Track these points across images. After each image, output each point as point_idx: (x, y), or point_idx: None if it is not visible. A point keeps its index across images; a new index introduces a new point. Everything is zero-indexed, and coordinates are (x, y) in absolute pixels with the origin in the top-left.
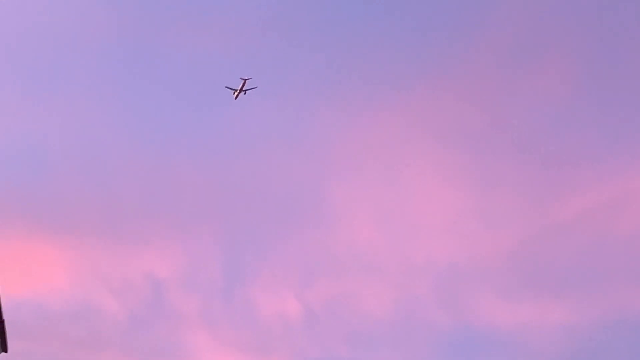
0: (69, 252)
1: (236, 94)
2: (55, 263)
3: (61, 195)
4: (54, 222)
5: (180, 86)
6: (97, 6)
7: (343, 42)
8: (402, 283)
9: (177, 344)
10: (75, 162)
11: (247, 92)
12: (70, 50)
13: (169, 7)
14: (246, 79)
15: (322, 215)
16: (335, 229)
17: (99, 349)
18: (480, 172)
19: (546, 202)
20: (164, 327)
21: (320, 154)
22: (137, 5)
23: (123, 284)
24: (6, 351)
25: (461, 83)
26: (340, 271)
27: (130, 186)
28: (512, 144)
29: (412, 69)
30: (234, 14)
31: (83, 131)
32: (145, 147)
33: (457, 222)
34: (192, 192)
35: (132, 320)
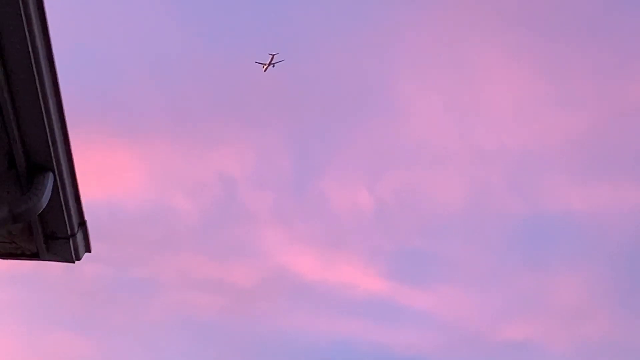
0: (142, 154)
1: (265, 67)
2: (129, 166)
3: (131, 98)
4: (126, 126)
5: None
6: None
7: None
8: (473, 172)
9: (251, 241)
10: (144, 65)
11: (275, 65)
12: None
13: None
14: (274, 54)
15: (391, 106)
16: (404, 120)
17: (174, 250)
18: (550, 57)
19: (618, 83)
20: (237, 226)
21: (388, 45)
22: None
23: (195, 184)
24: (90, 251)
25: None
26: (410, 162)
27: (198, 86)
28: (582, 26)
29: None
30: None
31: (150, 34)
32: (213, 46)
33: (527, 106)
34: (260, 89)
35: (206, 219)
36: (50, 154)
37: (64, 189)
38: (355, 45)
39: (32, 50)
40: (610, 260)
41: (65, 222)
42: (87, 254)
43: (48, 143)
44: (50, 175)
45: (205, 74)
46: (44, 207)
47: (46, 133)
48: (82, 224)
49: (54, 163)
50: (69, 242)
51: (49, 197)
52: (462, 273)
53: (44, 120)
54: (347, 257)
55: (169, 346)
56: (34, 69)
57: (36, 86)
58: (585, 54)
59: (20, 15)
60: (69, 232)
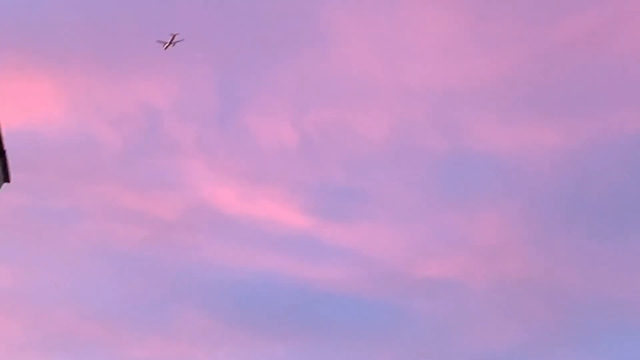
0: (65, 82)
1: (166, 46)
2: (51, 94)
3: (55, 24)
4: (48, 53)
5: None
6: None
7: None
8: (398, 108)
9: (174, 173)
10: None
11: (175, 44)
12: None
13: None
14: (175, 34)
15: (317, 41)
16: (330, 55)
17: (96, 180)
18: None
19: (543, 25)
20: (161, 157)
21: None
22: None
23: (119, 115)
24: (9, 181)
25: None
26: (336, 97)
27: (123, 15)
28: None
29: None
30: None
31: None
32: None
33: (453, 45)
34: (185, 20)
35: (129, 150)
36: None
37: None
38: None
39: None
40: (528, 200)
41: None
42: (5, 184)
43: None
44: None
45: (130, 3)
46: None
47: None
48: (1, 153)
49: None
50: None
51: None
52: (385, 210)
53: None
54: (269, 191)
55: (91, 274)
56: None
57: None
58: None
59: None
60: None
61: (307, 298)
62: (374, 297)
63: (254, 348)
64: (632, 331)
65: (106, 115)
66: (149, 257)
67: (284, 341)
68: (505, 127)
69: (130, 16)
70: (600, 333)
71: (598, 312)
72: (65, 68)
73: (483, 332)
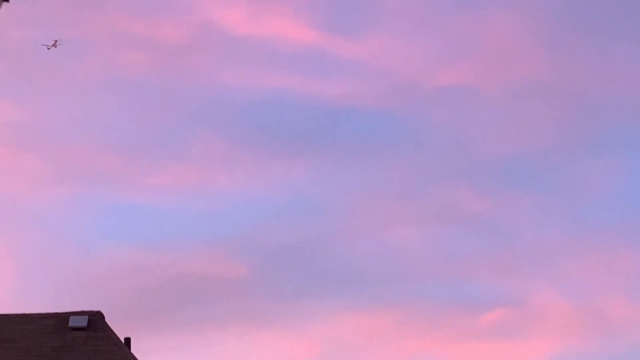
0: None
1: (49, 47)
2: None
3: None
4: None
5: None
6: None
7: None
8: None
9: None
10: None
11: (57, 46)
12: None
13: None
14: (56, 40)
15: None
16: None
17: (100, 7)
18: None
19: None
20: None
21: None
22: None
23: None
24: (7, 0)
25: None
26: None
27: None
28: None
29: None
30: None
31: None
32: None
33: None
34: None
35: None
36: None
37: None
38: None
39: None
40: None
41: None
42: (5, 2)
43: None
44: None
45: None
46: None
47: None
48: None
49: None
50: None
51: None
52: (395, 19)
53: None
54: (277, 8)
55: (103, 105)
56: None
57: None
58: None
59: None
60: None
61: (321, 114)
62: (387, 110)
63: (271, 168)
64: None
65: None
66: (159, 84)
67: (301, 159)
68: None
69: None
70: (620, 132)
71: (617, 112)
72: None
73: (500, 139)
